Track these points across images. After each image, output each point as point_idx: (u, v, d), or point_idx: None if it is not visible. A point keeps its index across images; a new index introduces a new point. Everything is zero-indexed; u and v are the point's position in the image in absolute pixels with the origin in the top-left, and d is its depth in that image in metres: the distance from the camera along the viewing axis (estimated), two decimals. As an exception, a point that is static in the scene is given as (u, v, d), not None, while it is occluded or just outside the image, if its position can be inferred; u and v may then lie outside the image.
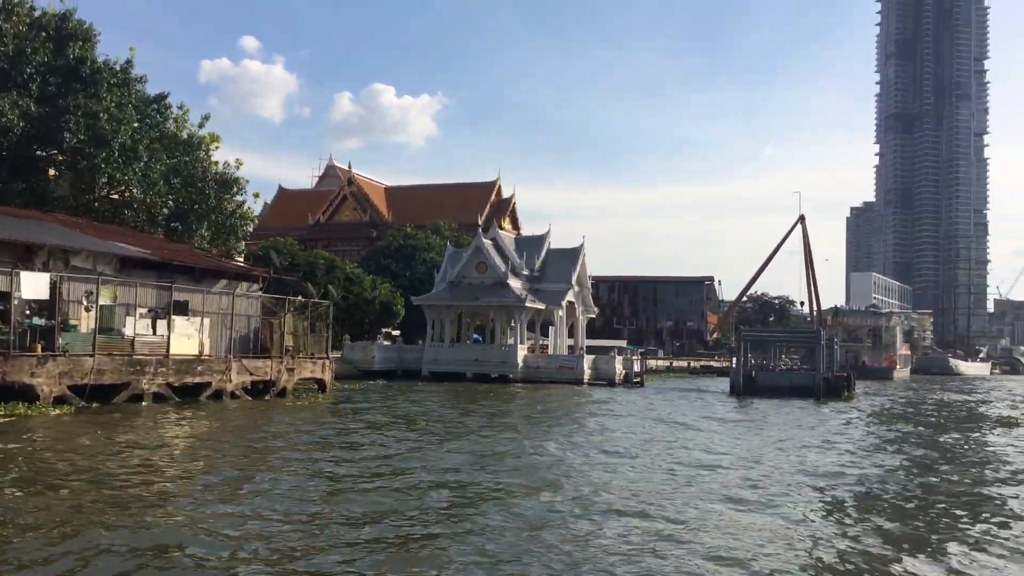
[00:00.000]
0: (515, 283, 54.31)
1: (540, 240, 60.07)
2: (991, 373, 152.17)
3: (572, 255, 58.86)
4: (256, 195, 41.46)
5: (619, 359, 55.27)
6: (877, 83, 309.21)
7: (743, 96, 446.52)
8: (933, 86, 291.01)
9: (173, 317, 27.83)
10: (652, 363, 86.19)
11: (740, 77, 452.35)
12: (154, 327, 27.44)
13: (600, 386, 50.25)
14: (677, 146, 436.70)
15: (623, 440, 21.56)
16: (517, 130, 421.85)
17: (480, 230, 60.06)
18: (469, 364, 53.06)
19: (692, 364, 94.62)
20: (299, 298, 34.65)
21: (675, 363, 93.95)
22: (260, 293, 32.88)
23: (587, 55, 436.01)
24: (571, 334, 61.90)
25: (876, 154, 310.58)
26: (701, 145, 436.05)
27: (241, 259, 50.09)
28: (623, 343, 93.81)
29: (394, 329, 64.96)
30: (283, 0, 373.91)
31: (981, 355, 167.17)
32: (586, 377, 51.98)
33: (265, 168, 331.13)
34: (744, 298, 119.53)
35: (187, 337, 28.43)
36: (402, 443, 19.08)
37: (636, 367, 55.74)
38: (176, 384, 27.48)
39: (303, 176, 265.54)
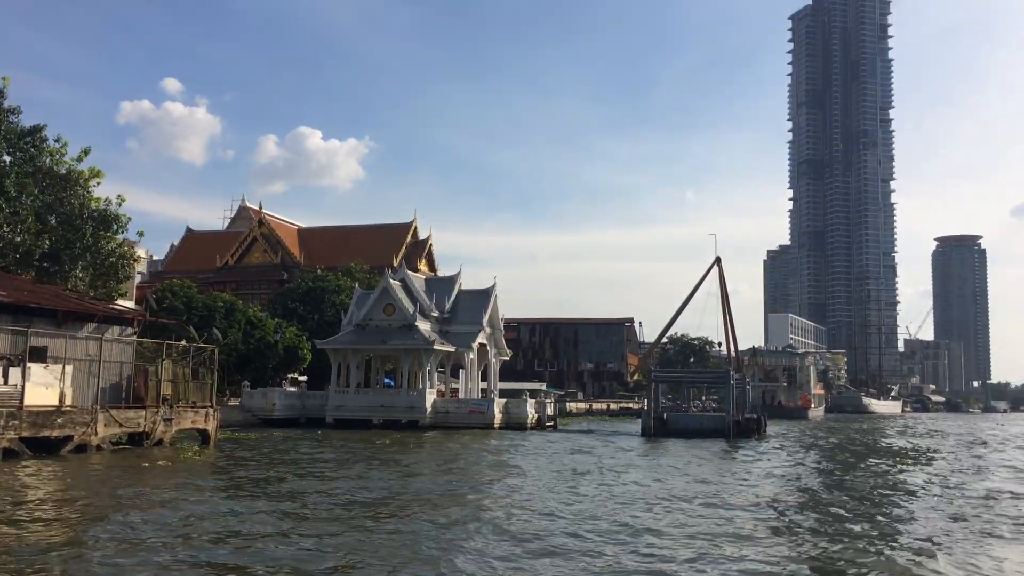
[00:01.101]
0: (424, 325, 52.69)
1: (451, 281, 58.60)
2: (902, 411, 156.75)
3: (483, 296, 57.58)
4: (140, 233, 38.80)
5: (531, 402, 54.04)
6: (790, 131, 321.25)
7: (663, 144, 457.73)
8: (842, 134, 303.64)
9: (29, 364, 25.58)
10: (572, 406, 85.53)
11: (660, 125, 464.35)
12: (6, 376, 25.14)
13: (511, 430, 48.82)
14: (600, 192, 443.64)
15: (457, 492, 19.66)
16: (445, 175, 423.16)
17: (388, 270, 58.44)
18: (376, 410, 51.12)
19: (611, 406, 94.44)
20: (181, 343, 32.43)
21: (595, 405, 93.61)
22: (134, 338, 30.63)
23: (511, 103, 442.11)
24: (484, 377, 60.43)
25: (790, 199, 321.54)
26: (624, 191, 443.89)
27: (131, 303, 47.27)
28: (543, 386, 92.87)
29: (301, 375, 62.50)
30: (208, 42, 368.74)
31: (892, 393, 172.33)
32: (497, 422, 50.44)
33: (183, 211, 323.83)
34: (664, 339, 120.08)
35: (45, 386, 26.17)
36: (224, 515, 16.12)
37: (549, 410, 54.78)
38: (32, 438, 25.13)
39: (219, 219, 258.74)
